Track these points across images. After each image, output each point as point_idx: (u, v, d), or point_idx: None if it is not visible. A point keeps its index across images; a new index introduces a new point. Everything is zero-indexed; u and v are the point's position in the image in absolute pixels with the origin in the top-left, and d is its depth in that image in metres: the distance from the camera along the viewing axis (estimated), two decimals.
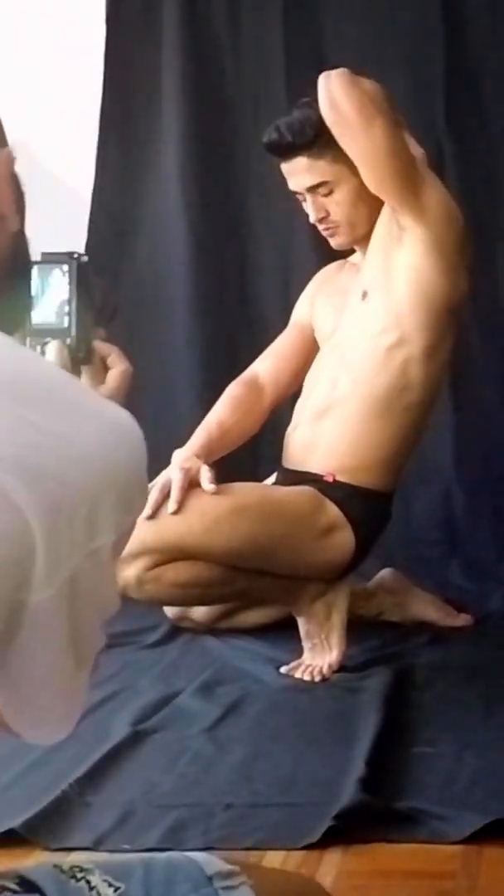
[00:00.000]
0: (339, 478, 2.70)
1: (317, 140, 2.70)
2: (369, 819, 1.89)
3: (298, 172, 2.76)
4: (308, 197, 2.77)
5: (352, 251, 2.89)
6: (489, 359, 3.64)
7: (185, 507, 2.55)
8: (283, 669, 2.72)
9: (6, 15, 3.90)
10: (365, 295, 2.74)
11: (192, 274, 3.71)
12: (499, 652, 2.86)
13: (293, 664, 2.73)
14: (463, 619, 3.09)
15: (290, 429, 2.85)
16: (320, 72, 3.28)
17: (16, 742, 2.32)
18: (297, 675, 2.69)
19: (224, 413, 2.87)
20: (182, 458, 2.70)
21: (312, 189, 2.75)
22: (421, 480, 3.53)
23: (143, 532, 2.46)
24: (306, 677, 2.68)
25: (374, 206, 2.73)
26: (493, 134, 3.61)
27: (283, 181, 3.45)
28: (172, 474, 2.63)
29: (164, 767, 2.16)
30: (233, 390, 2.92)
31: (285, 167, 2.78)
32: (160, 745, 2.28)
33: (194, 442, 2.78)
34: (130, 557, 2.47)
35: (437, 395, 2.83)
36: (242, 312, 3.68)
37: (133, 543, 2.41)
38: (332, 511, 2.67)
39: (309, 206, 2.78)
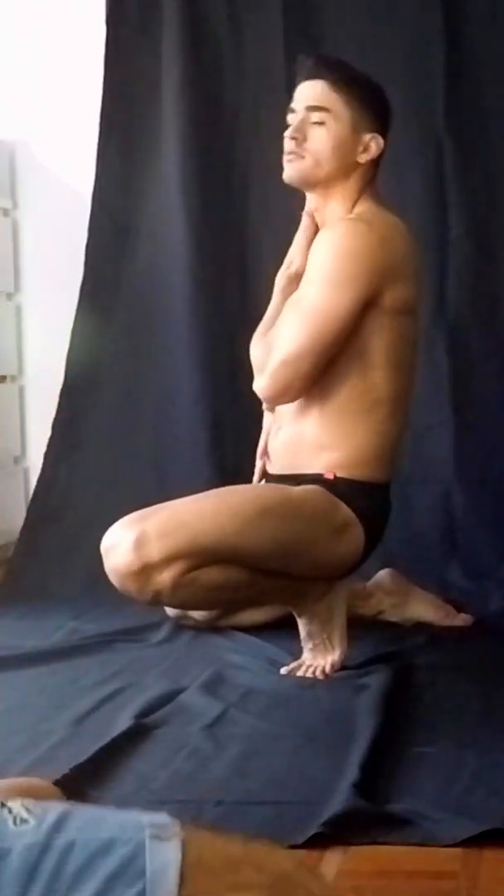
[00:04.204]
0: (339, 474, 2.70)
1: (341, 80, 2.72)
2: (362, 822, 1.88)
3: (308, 92, 2.74)
4: (300, 114, 2.74)
5: (302, 197, 2.86)
6: (489, 359, 3.64)
7: (216, 509, 2.54)
8: (283, 670, 2.72)
9: (6, 15, 3.90)
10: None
11: (192, 274, 3.71)
12: (499, 652, 2.87)
13: (294, 664, 2.73)
14: (462, 619, 3.09)
15: (271, 435, 2.85)
16: None
17: (20, 740, 2.34)
18: (299, 674, 2.70)
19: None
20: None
21: (311, 108, 2.73)
22: (421, 480, 3.53)
23: (178, 537, 2.45)
24: (308, 675, 2.68)
25: (345, 166, 2.73)
26: (493, 134, 3.61)
27: (283, 182, 3.46)
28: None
29: (161, 763, 2.17)
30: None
31: (301, 85, 2.77)
32: (160, 741, 2.28)
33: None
34: (167, 561, 2.44)
35: (409, 389, 2.79)
36: (242, 312, 3.67)
37: (169, 547, 2.42)
38: (344, 508, 2.66)
39: (293, 122, 2.75)
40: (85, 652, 2.90)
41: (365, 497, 2.70)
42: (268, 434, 2.87)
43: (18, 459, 3.97)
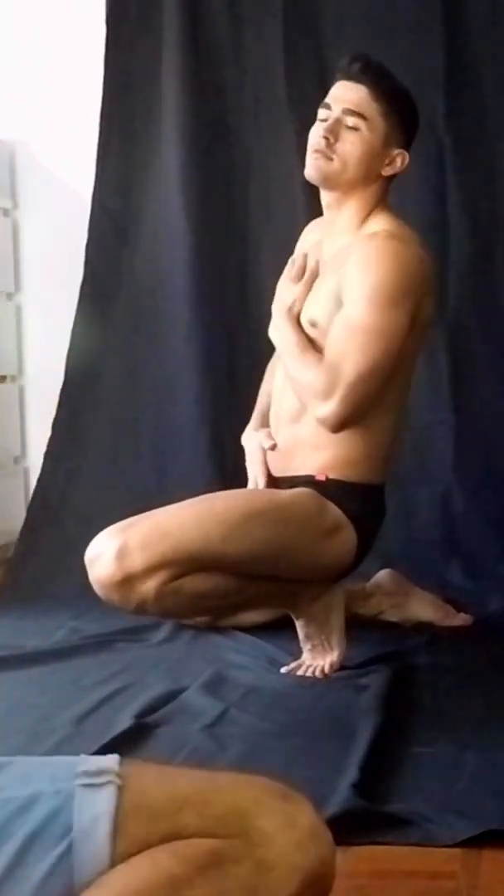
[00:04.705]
0: (331, 475, 2.70)
1: (383, 91, 2.71)
2: (362, 822, 1.88)
3: (349, 94, 2.72)
4: (335, 115, 2.71)
5: (318, 202, 2.86)
6: (489, 359, 3.63)
7: (200, 516, 2.53)
8: (283, 670, 2.72)
9: (6, 15, 3.90)
10: (314, 324, 2.72)
11: (192, 274, 3.71)
12: (499, 652, 2.87)
13: (294, 664, 2.73)
14: (462, 619, 3.09)
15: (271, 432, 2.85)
16: (320, 72, 3.30)
17: (22, 739, 2.33)
18: (299, 673, 2.70)
19: (270, 385, 2.93)
20: (245, 437, 2.86)
21: (348, 112, 2.70)
22: (421, 480, 3.53)
23: (160, 546, 2.44)
24: (308, 675, 2.68)
25: (369, 176, 2.72)
26: (493, 134, 3.61)
27: (283, 182, 3.46)
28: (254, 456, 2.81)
29: (162, 762, 2.17)
30: (272, 365, 2.97)
31: (341, 84, 2.74)
32: (160, 740, 2.28)
33: (253, 420, 2.90)
34: (150, 570, 2.43)
35: (406, 391, 2.79)
36: (242, 312, 3.68)
37: (151, 557, 2.42)
38: (334, 510, 2.66)
39: (326, 124, 2.71)
40: (85, 652, 2.90)
41: (356, 499, 2.69)
42: (260, 446, 2.84)
43: (18, 459, 3.97)
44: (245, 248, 3.74)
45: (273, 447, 2.78)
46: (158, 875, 1.13)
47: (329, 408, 2.64)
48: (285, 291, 2.78)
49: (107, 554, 2.45)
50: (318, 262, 2.76)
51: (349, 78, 2.73)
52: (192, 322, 3.71)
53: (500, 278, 3.64)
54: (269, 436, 2.80)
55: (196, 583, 2.49)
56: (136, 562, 2.43)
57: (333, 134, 2.70)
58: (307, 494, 2.66)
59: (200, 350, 3.70)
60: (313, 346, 2.70)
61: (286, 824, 1.21)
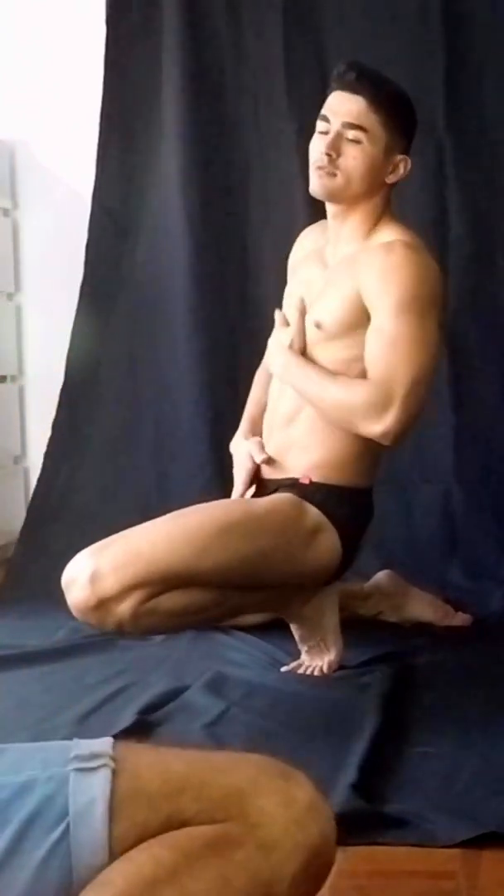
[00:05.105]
0: (315, 478, 2.69)
1: (380, 100, 2.68)
2: (360, 823, 1.88)
3: (347, 106, 2.68)
4: (335, 130, 2.68)
5: (322, 211, 2.85)
6: (489, 359, 3.63)
7: (172, 535, 2.52)
8: (283, 670, 2.73)
9: (6, 15, 3.90)
10: (319, 325, 2.73)
11: (192, 273, 3.71)
12: (498, 652, 2.87)
13: (293, 664, 2.73)
14: (461, 619, 3.09)
15: (263, 436, 2.84)
16: (321, 72, 3.29)
17: (26, 736, 2.34)
18: (299, 672, 2.70)
19: (258, 393, 2.94)
20: (233, 444, 2.86)
21: (348, 125, 2.68)
22: (421, 480, 3.54)
23: (132, 568, 2.44)
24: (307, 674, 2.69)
25: (374, 187, 2.72)
26: (493, 134, 3.61)
27: (283, 181, 3.46)
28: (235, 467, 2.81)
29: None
30: (260, 373, 2.98)
31: (338, 95, 2.71)
32: (161, 738, 2.29)
33: (242, 427, 2.90)
34: (124, 593, 2.43)
35: None
36: (242, 311, 3.68)
37: (124, 579, 2.42)
38: (314, 514, 2.64)
39: (326, 138, 2.69)
40: (88, 650, 2.90)
41: (340, 502, 2.67)
42: (249, 458, 2.83)
43: (18, 459, 3.98)
44: (245, 247, 3.74)
45: (266, 461, 2.77)
46: (160, 870, 1.12)
47: (389, 422, 2.61)
48: (280, 333, 2.77)
49: (80, 579, 2.46)
50: (302, 301, 2.75)
51: (345, 88, 2.70)
52: (192, 321, 3.71)
53: (500, 278, 3.64)
54: (261, 447, 2.78)
55: (172, 600, 2.48)
56: (109, 585, 2.43)
57: (335, 149, 2.68)
58: (285, 500, 2.65)
59: (200, 350, 3.70)
60: (314, 347, 2.71)
61: (285, 802, 1.20)
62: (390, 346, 2.62)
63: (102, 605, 2.44)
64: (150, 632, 2.60)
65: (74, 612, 2.50)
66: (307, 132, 2.77)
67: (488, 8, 3.59)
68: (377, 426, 2.61)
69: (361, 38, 3.59)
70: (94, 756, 1.15)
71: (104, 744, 1.18)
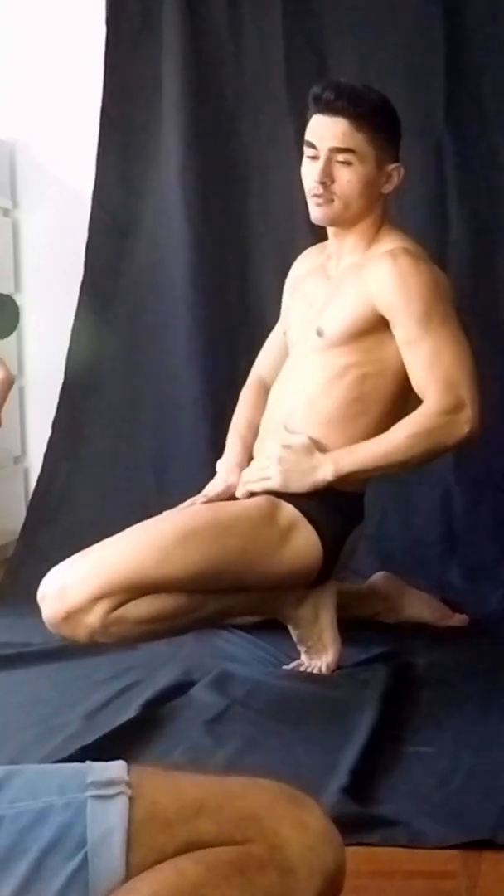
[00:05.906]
0: None
1: (363, 117, 2.68)
2: (352, 824, 1.88)
3: (331, 130, 2.68)
4: (324, 156, 2.69)
5: (324, 231, 2.86)
6: (489, 359, 3.62)
7: (134, 544, 2.52)
8: (284, 669, 2.73)
9: (6, 15, 3.90)
10: (321, 333, 2.73)
11: (192, 274, 3.71)
12: (496, 652, 2.87)
13: (293, 664, 2.74)
14: (459, 619, 3.09)
15: (256, 442, 2.84)
16: (321, 72, 3.29)
17: (35, 733, 2.33)
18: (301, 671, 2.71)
19: (249, 413, 2.93)
20: (220, 464, 2.87)
21: (335, 150, 2.69)
22: (421, 480, 3.53)
23: (96, 579, 2.46)
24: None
25: (371, 202, 2.74)
26: (493, 134, 3.61)
27: (283, 181, 3.45)
28: (216, 484, 2.81)
29: (158, 756, 2.18)
30: (247, 393, 2.98)
31: (320, 119, 2.71)
32: (160, 734, 2.31)
33: (231, 451, 2.89)
34: (90, 604, 2.45)
35: (399, 405, 2.76)
36: (242, 312, 3.68)
37: (89, 590, 2.44)
38: (288, 511, 2.63)
39: (317, 165, 2.70)
40: (94, 649, 2.90)
41: (319, 501, 2.64)
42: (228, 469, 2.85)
43: (18, 459, 3.98)
44: (245, 247, 3.74)
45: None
46: (184, 882, 1.13)
47: (471, 420, 2.68)
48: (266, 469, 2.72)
49: (50, 593, 2.49)
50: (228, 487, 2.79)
51: (325, 111, 2.69)
52: (192, 322, 3.71)
53: (501, 278, 3.64)
54: (242, 485, 2.75)
55: (140, 608, 2.48)
56: (75, 596, 2.46)
57: (328, 176, 2.70)
58: (258, 500, 2.65)
59: (200, 350, 3.70)
60: (312, 354, 2.71)
61: (299, 828, 1.21)
62: (436, 356, 2.66)
63: (71, 616, 2.47)
64: (124, 640, 2.59)
65: (48, 626, 2.53)
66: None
67: (488, 8, 3.59)
68: (463, 429, 2.67)
69: (361, 39, 3.59)
70: (110, 783, 1.15)
71: (119, 769, 1.18)
